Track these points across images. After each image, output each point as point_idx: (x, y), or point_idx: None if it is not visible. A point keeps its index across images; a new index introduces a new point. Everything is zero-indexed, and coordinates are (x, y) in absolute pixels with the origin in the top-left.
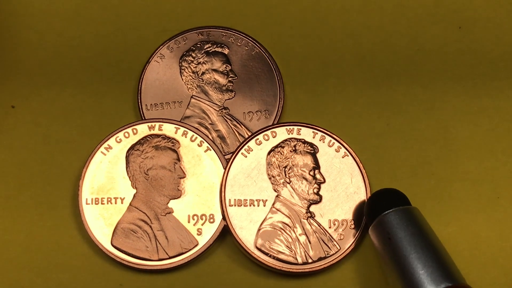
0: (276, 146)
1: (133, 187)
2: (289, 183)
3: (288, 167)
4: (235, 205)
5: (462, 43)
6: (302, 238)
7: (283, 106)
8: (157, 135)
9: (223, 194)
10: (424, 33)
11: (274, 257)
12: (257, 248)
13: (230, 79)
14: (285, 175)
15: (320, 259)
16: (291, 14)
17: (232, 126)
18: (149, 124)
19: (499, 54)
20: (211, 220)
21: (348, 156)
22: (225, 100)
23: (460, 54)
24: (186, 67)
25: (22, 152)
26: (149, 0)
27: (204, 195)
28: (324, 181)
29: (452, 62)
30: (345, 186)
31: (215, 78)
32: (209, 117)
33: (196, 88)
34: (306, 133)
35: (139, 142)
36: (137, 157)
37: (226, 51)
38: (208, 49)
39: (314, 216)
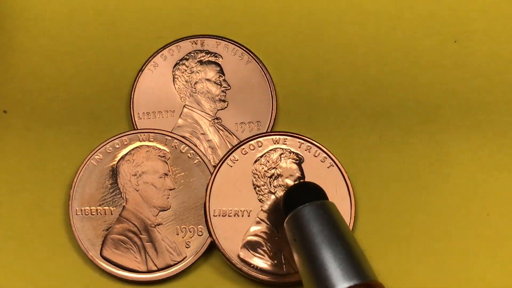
0: (262, 156)
1: (123, 198)
2: (273, 193)
3: (273, 177)
4: (219, 216)
5: (457, 57)
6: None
7: (276, 118)
8: (148, 146)
9: (207, 204)
10: (419, 46)
11: (257, 268)
12: (240, 258)
13: (223, 89)
14: (270, 185)
15: None
16: (286, 25)
17: (224, 136)
18: (140, 135)
19: (494, 68)
20: (200, 233)
21: (333, 166)
22: (218, 110)
23: (455, 68)
24: (179, 76)
25: (14, 158)
26: (145, 8)
27: (193, 208)
28: None
29: (446, 76)
30: (330, 196)
31: (208, 88)
32: (201, 127)
33: (188, 98)
34: (292, 143)
35: (129, 153)
36: (127, 168)
37: (220, 61)
38: (202, 58)
39: None
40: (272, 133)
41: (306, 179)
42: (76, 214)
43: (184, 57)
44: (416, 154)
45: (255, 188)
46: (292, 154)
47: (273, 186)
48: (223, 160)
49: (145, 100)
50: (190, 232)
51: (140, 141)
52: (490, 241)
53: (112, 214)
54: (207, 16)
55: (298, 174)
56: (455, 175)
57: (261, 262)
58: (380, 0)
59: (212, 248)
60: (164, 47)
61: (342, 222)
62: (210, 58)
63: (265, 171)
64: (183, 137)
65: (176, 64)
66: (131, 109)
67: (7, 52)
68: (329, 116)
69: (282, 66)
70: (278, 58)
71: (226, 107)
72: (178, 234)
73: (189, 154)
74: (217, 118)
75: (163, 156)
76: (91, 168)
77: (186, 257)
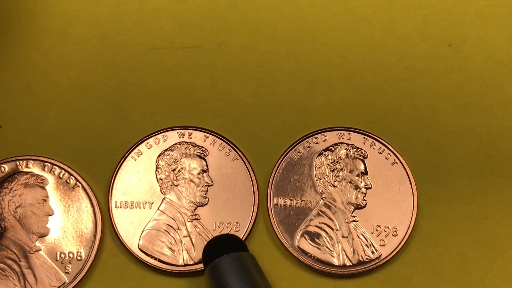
0: (326, 150)
1: (1, 226)
2: (335, 187)
3: (336, 171)
4: (279, 205)
5: (452, 61)
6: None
7: (256, 220)
8: (26, 173)
9: (269, 193)
10: (414, 50)
11: (314, 257)
12: (298, 247)
13: (205, 184)
14: (333, 178)
15: (360, 263)
16: (280, 32)
17: (201, 233)
18: (18, 161)
19: (489, 72)
20: (79, 257)
21: (397, 163)
22: (197, 206)
23: (450, 72)
24: (162, 166)
25: None
26: (137, 19)
27: (72, 233)
28: (371, 187)
29: (441, 80)
30: (392, 194)
31: (190, 182)
32: (178, 223)
33: (169, 191)
34: (357, 139)
35: (7, 180)
36: (5, 195)
37: (205, 155)
38: (188, 151)
39: (358, 220)
40: (337, 128)
41: (369, 175)
42: None
43: (169, 147)
44: (413, 160)
45: (317, 180)
46: (356, 149)
47: (336, 179)
48: (286, 152)
49: (124, 188)
50: (70, 257)
51: (18, 168)
52: (488, 245)
53: None
54: (200, 25)
55: (361, 169)
56: (452, 180)
57: (319, 252)
58: (374, 6)
59: (92, 272)
60: (150, 135)
61: (257, 273)
62: (196, 152)
63: (328, 164)
64: (60, 162)
65: (161, 154)
66: (109, 197)
67: (1, 67)
68: (325, 123)
69: (277, 72)
70: (273, 65)
71: (206, 204)
72: (57, 260)
73: (67, 180)
74: (195, 215)
75: (42, 182)
76: None
77: (65, 282)
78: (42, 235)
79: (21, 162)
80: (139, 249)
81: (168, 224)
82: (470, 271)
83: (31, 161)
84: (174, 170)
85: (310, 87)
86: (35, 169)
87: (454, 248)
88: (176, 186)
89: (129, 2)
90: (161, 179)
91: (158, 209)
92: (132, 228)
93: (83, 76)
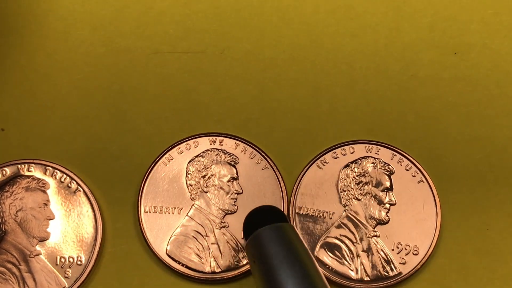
0: (353, 162)
1: (1, 229)
2: (359, 200)
3: (361, 184)
4: (301, 213)
5: (457, 70)
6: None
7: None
8: (27, 176)
9: (292, 200)
10: (419, 58)
11: (332, 269)
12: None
13: (235, 191)
14: (357, 191)
15: (378, 278)
16: (284, 37)
17: (229, 240)
18: (19, 165)
19: (494, 81)
20: (79, 262)
21: (423, 182)
22: (226, 214)
23: (455, 81)
24: (192, 172)
25: None
26: (140, 23)
27: (73, 237)
28: (395, 204)
29: (446, 89)
30: (415, 212)
31: (220, 189)
32: (207, 230)
33: (198, 197)
34: (385, 154)
35: (8, 183)
36: (6, 198)
37: (236, 163)
38: (218, 158)
39: (379, 236)
40: (365, 141)
41: (394, 191)
42: None
43: (200, 154)
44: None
45: (341, 192)
46: (383, 164)
47: (360, 192)
48: (312, 161)
49: (154, 192)
50: (70, 261)
51: (20, 172)
52: (490, 256)
53: None
54: (204, 30)
55: (387, 184)
56: (454, 190)
57: (338, 264)
58: (379, 13)
59: (92, 277)
60: (181, 141)
61: (299, 244)
62: (226, 159)
63: (354, 177)
64: (62, 166)
65: (192, 160)
66: (139, 201)
67: (3, 70)
68: (328, 130)
69: (281, 79)
70: (277, 71)
71: (235, 212)
72: (57, 264)
73: (69, 184)
74: (223, 222)
75: (43, 186)
76: None
77: (65, 287)
78: (43, 239)
79: (22, 165)
80: (167, 254)
81: (196, 231)
82: (471, 282)
83: (33, 165)
84: (204, 176)
85: (313, 93)
86: (36, 172)
87: (455, 258)
88: (206, 192)
89: (132, 6)
90: (191, 185)
91: (187, 215)
92: (160, 233)
93: (85, 80)
